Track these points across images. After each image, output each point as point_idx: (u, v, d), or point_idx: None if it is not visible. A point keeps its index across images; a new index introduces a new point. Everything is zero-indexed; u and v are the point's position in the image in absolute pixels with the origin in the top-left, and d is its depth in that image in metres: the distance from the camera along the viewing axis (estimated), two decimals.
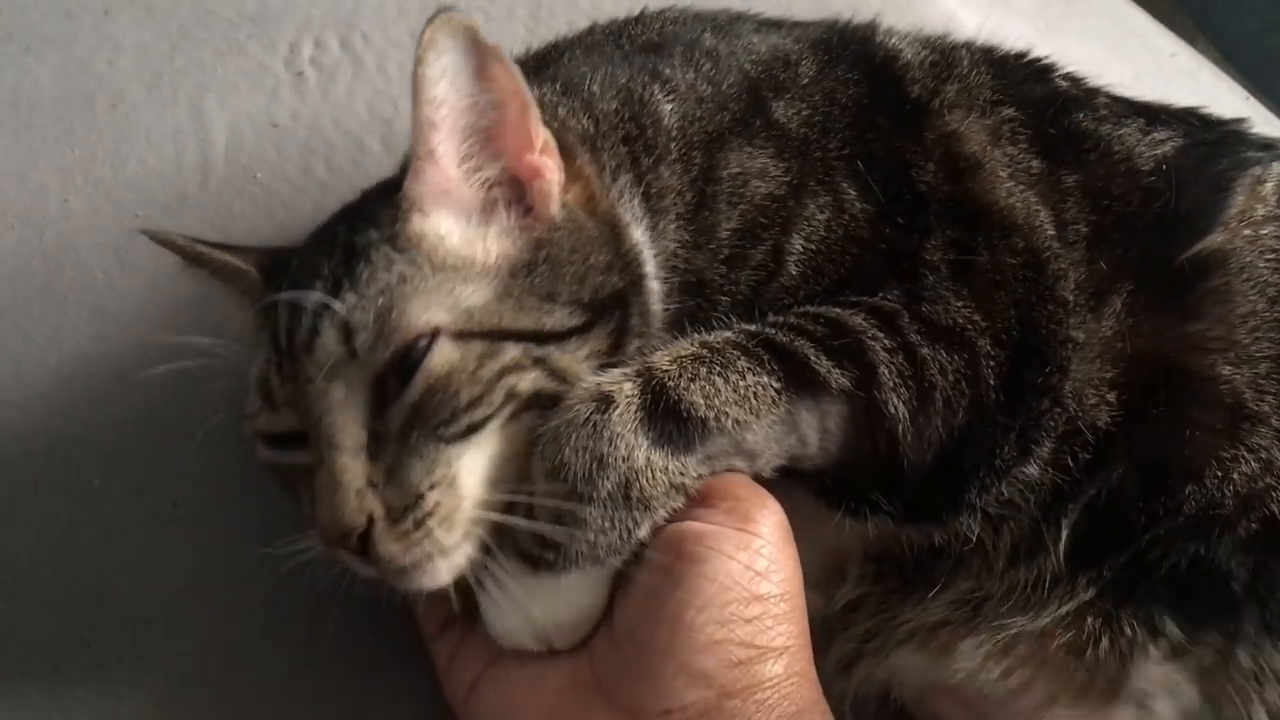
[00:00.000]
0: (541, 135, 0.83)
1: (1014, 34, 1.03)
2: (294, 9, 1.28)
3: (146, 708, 0.91)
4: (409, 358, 0.78)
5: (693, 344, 0.81)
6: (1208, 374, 0.83)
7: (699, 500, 0.80)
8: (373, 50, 1.24)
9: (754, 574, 0.77)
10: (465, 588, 0.81)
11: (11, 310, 1.08)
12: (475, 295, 0.80)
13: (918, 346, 0.82)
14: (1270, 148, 0.93)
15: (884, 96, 0.92)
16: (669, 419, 0.78)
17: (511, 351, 0.79)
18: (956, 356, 0.82)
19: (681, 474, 0.79)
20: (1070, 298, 0.85)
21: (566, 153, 0.87)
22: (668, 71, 0.93)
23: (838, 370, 0.80)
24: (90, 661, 0.92)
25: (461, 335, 0.79)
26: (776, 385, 0.80)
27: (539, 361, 0.80)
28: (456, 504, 0.78)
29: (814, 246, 0.86)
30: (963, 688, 0.87)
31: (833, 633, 0.90)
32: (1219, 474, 0.81)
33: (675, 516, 0.80)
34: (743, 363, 0.80)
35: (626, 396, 0.78)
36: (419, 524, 0.76)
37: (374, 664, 0.94)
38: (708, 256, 0.87)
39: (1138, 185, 0.88)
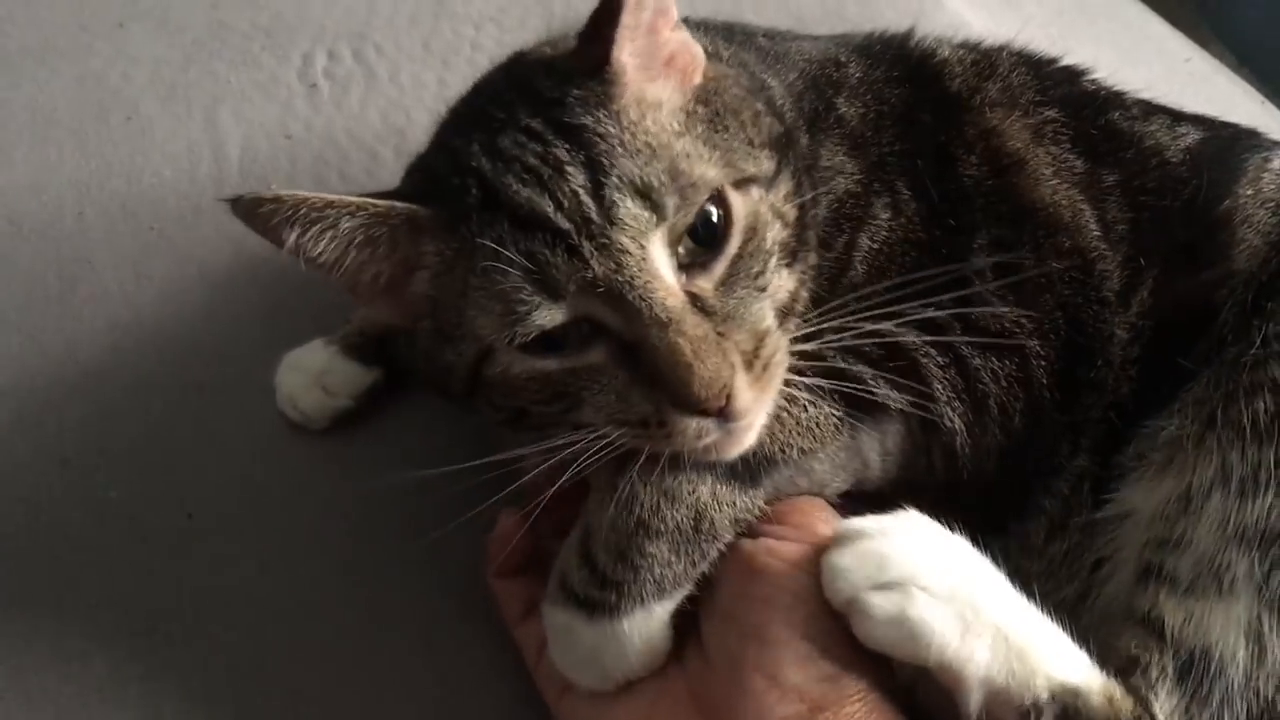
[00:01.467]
0: (673, 18, 0.81)
1: (1025, 40, 1.03)
2: (307, 21, 1.29)
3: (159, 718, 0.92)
4: (708, 214, 0.75)
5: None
6: (1211, 304, 0.86)
7: (766, 518, 0.80)
8: (386, 61, 1.25)
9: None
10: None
11: (27, 322, 1.08)
12: (716, 150, 0.78)
13: (969, 357, 0.83)
14: None
15: (925, 93, 0.94)
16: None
17: (759, 192, 0.79)
18: (1007, 361, 0.84)
19: (749, 508, 0.80)
20: (1113, 297, 0.87)
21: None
22: (750, 59, 0.93)
23: (896, 391, 0.81)
24: (104, 672, 0.92)
25: (739, 184, 0.77)
26: (838, 414, 0.80)
27: (775, 210, 0.80)
28: (782, 344, 0.77)
29: (877, 246, 0.87)
30: None
31: None
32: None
33: (746, 533, 0.80)
34: (804, 396, 0.80)
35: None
36: (765, 366, 0.76)
37: (390, 675, 0.94)
38: (812, 231, 0.85)
39: (1169, 176, 0.90)
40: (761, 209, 0.78)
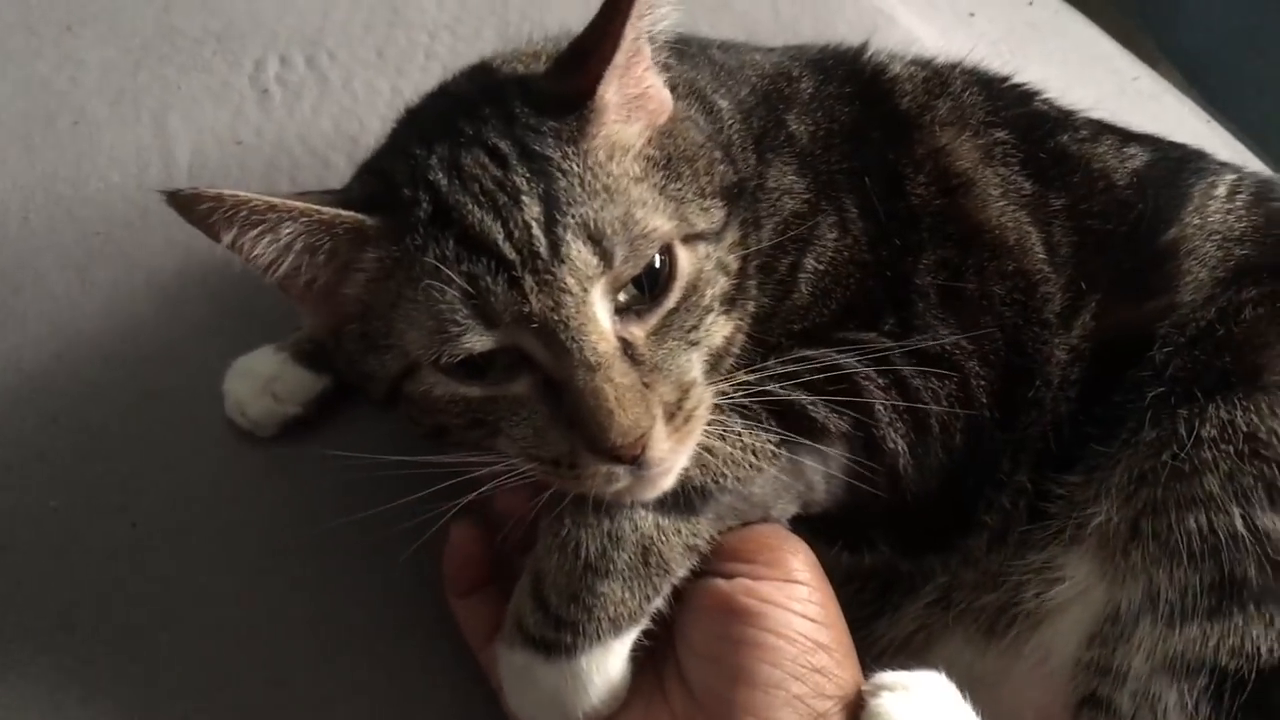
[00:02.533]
0: (647, 58, 0.81)
1: (976, 57, 1.03)
2: (260, 26, 1.28)
3: None
4: (653, 264, 0.76)
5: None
6: (1152, 334, 0.86)
7: (736, 556, 0.80)
8: (339, 68, 1.24)
9: (810, 622, 0.78)
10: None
11: None
12: (673, 199, 0.78)
13: (909, 379, 0.83)
14: (1226, 166, 0.98)
15: (875, 110, 0.94)
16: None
17: (706, 249, 0.79)
18: (948, 381, 0.84)
19: (695, 535, 0.79)
20: (1054, 319, 0.87)
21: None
22: (702, 80, 0.93)
23: (835, 415, 0.81)
24: (44, 686, 0.91)
25: (687, 240, 0.78)
26: (774, 440, 0.80)
27: (720, 263, 0.80)
28: (704, 398, 0.78)
29: (822, 268, 0.87)
30: None
31: None
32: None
33: (719, 573, 0.80)
34: (738, 425, 0.80)
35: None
36: (687, 418, 0.76)
37: (340, 686, 0.93)
38: (753, 255, 0.86)
39: (1115, 199, 0.91)
40: (706, 266, 0.79)
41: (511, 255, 0.73)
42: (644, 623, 0.79)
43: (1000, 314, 0.87)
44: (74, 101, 1.21)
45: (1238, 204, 0.92)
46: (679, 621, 0.81)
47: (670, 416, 0.75)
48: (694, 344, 0.78)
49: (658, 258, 0.76)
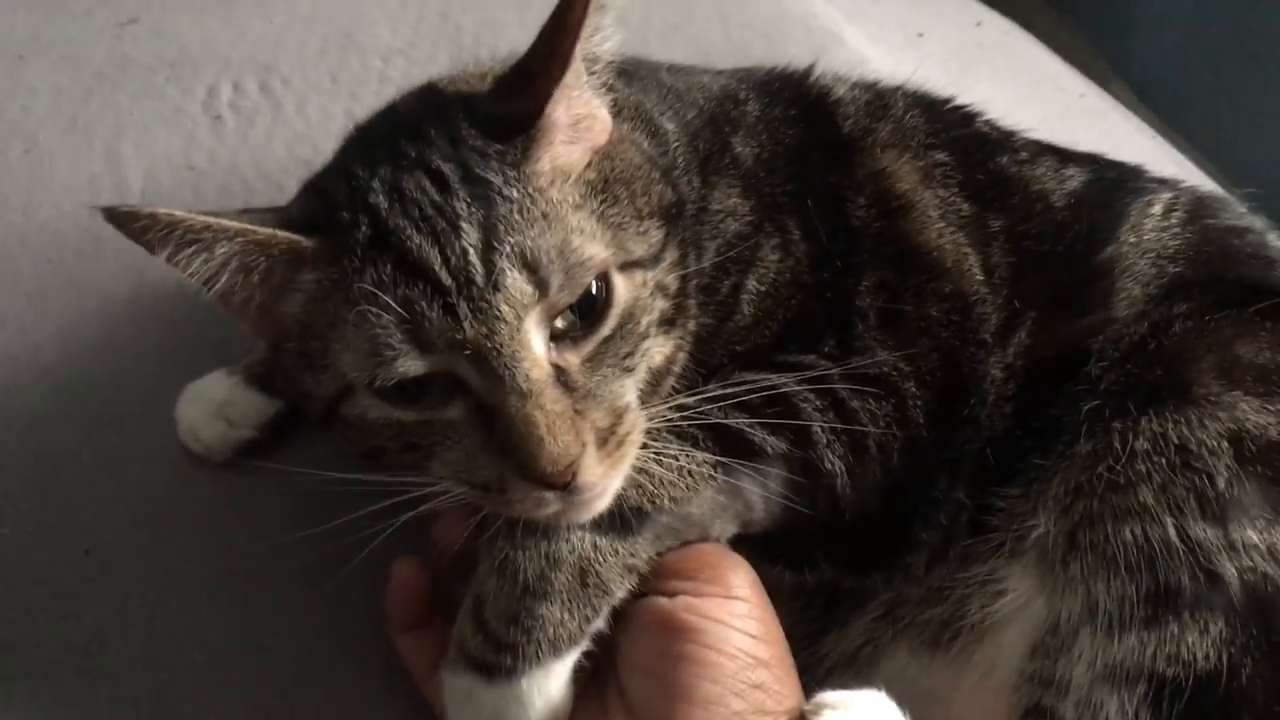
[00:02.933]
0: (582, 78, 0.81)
1: (925, 77, 1.05)
2: (212, 53, 1.28)
3: None
4: (592, 293, 0.76)
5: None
6: (1087, 350, 0.88)
7: (676, 574, 0.81)
8: (292, 93, 1.24)
9: (750, 638, 0.78)
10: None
11: None
12: (610, 226, 0.78)
13: (847, 400, 0.84)
14: (1164, 183, 0.99)
15: (818, 134, 0.95)
16: (605, 510, 0.78)
17: (643, 275, 0.79)
18: (884, 403, 0.85)
19: (633, 555, 0.80)
20: (990, 339, 0.88)
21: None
22: (648, 103, 0.94)
23: (773, 437, 0.82)
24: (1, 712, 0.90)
25: (624, 267, 0.78)
26: (711, 461, 0.81)
27: (659, 286, 0.81)
28: (637, 423, 0.78)
29: (764, 289, 0.88)
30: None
31: None
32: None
33: (660, 591, 0.80)
34: (674, 447, 0.80)
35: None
36: (619, 444, 0.76)
37: (296, 711, 0.92)
38: (693, 276, 0.86)
39: (1052, 221, 0.92)
40: (643, 294, 0.79)
41: (448, 282, 0.73)
42: (584, 643, 0.80)
43: (937, 335, 0.88)
44: (26, 130, 1.21)
45: (1173, 222, 0.93)
46: (620, 640, 0.81)
47: (602, 442, 0.76)
48: (629, 370, 0.78)
49: (594, 285, 0.76)
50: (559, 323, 0.76)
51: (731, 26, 1.32)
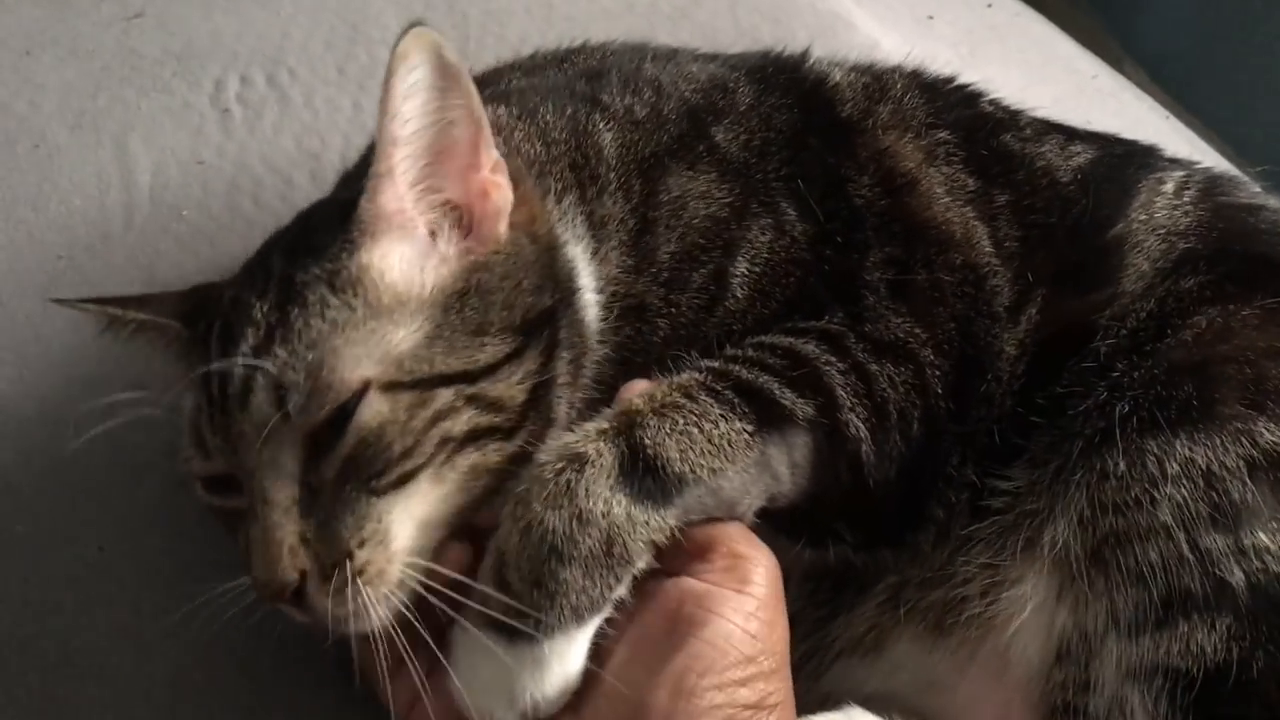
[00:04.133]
0: (493, 156, 0.83)
1: (938, 60, 1.04)
2: (220, 46, 1.28)
3: None
4: (341, 413, 0.77)
5: (665, 391, 0.80)
6: (1095, 324, 0.87)
7: (696, 554, 0.79)
8: (300, 86, 1.24)
9: (749, 636, 0.76)
10: (406, 624, 0.79)
11: None
12: (406, 340, 0.79)
13: (866, 364, 0.84)
14: (1176, 162, 0.99)
15: (816, 119, 0.95)
16: (646, 474, 0.77)
17: (444, 396, 0.79)
18: (903, 368, 0.85)
19: (660, 529, 0.78)
20: (1004, 312, 0.88)
21: (513, 175, 0.86)
22: (606, 99, 0.95)
23: (802, 400, 0.81)
24: (14, 712, 0.90)
25: (391, 386, 0.78)
26: (749, 428, 0.80)
27: (473, 399, 0.80)
28: (386, 560, 0.77)
29: (758, 269, 0.88)
30: (900, 689, 0.88)
31: None
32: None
33: (673, 570, 0.79)
34: (716, 410, 0.80)
35: (600, 454, 0.77)
36: (357, 575, 0.76)
37: (310, 710, 0.92)
38: (648, 280, 0.87)
39: (1058, 196, 0.92)
40: (420, 413, 0.78)
41: (215, 393, 0.79)
42: (607, 610, 0.78)
43: (952, 305, 0.87)
44: (34, 126, 1.21)
45: (1185, 199, 0.93)
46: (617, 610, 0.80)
47: (325, 574, 0.76)
48: (376, 492, 0.77)
49: (349, 406, 0.77)
50: (320, 439, 0.77)
51: (740, 11, 1.32)
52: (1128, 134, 1.01)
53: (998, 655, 0.85)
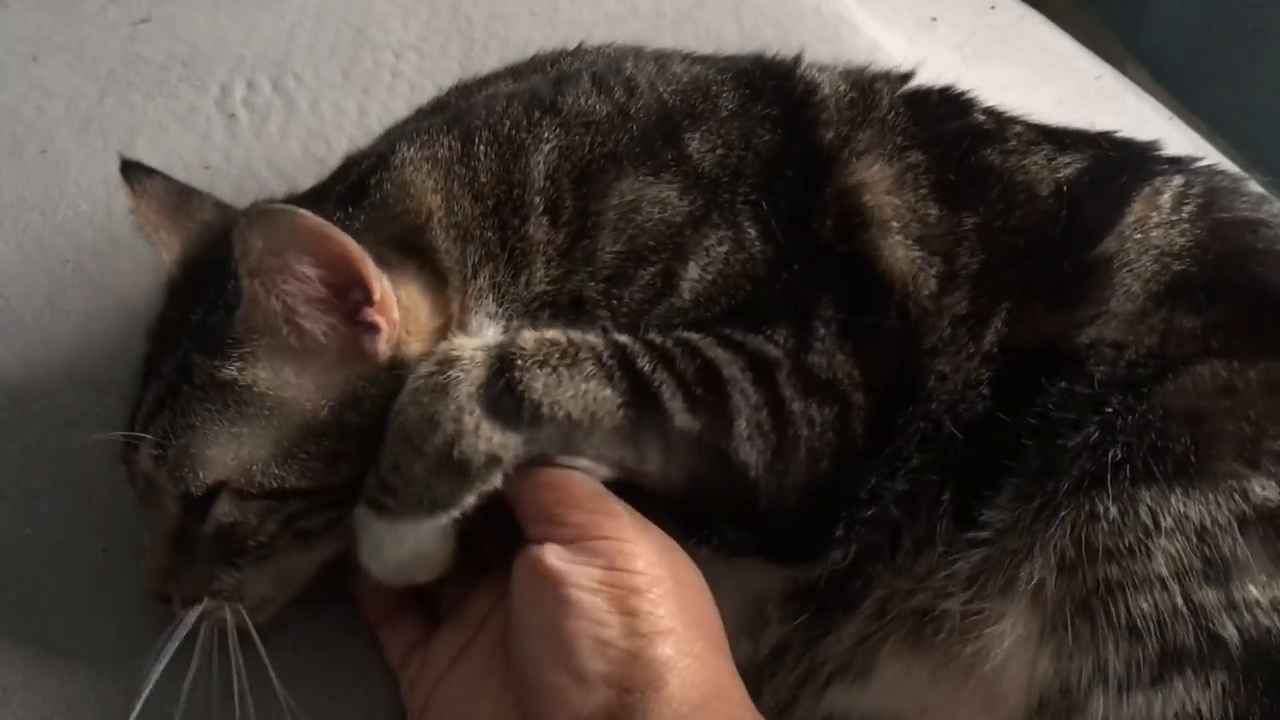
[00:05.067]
0: (379, 291, 0.82)
1: (940, 60, 1.04)
2: (225, 50, 1.28)
3: None
4: (201, 502, 0.84)
5: (556, 334, 0.82)
6: (1080, 343, 0.85)
7: (552, 519, 0.80)
8: (305, 90, 1.25)
9: (623, 572, 0.77)
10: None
11: None
12: (261, 453, 0.83)
13: (788, 401, 0.83)
14: (1177, 161, 0.96)
15: (795, 143, 0.92)
16: (505, 392, 0.79)
17: (296, 505, 0.84)
18: (828, 409, 0.84)
19: (504, 448, 0.79)
20: (942, 345, 0.87)
21: (439, 278, 0.87)
22: (563, 101, 0.93)
23: (688, 413, 0.81)
24: (25, 712, 0.90)
25: (242, 494, 0.83)
26: (619, 401, 0.80)
27: (328, 506, 0.85)
28: (234, 614, 0.85)
29: (710, 276, 0.87)
30: (895, 713, 0.87)
31: (761, 679, 0.89)
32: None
33: (536, 538, 0.80)
34: (590, 367, 0.80)
35: (473, 363, 0.80)
36: (212, 613, 0.85)
37: (319, 708, 0.93)
38: (585, 277, 0.87)
39: (1035, 211, 0.89)
40: (250, 519, 0.84)
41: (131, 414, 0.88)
42: (456, 512, 0.81)
43: (891, 347, 0.86)
44: (41, 130, 1.21)
45: (1182, 214, 0.89)
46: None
47: (188, 604, 0.85)
48: (237, 566, 0.85)
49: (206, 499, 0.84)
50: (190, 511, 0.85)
51: (743, 13, 1.32)
52: (1131, 134, 0.99)
53: (985, 688, 0.83)
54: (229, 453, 0.82)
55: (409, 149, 0.90)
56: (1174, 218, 0.89)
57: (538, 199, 0.88)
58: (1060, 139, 0.95)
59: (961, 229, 0.89)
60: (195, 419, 0.83)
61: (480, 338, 0.83)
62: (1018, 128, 0.96)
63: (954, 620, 0.83)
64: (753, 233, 0.88)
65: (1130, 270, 0.87)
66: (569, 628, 0.76)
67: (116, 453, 0.90)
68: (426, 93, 1.20)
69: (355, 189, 0.89)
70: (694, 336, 0.84)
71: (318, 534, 0.86)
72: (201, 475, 0.83)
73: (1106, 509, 0.79)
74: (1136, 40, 2.05)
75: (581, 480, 0.82)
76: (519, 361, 0.79)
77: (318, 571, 0.89)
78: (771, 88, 0.95)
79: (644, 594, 0.77)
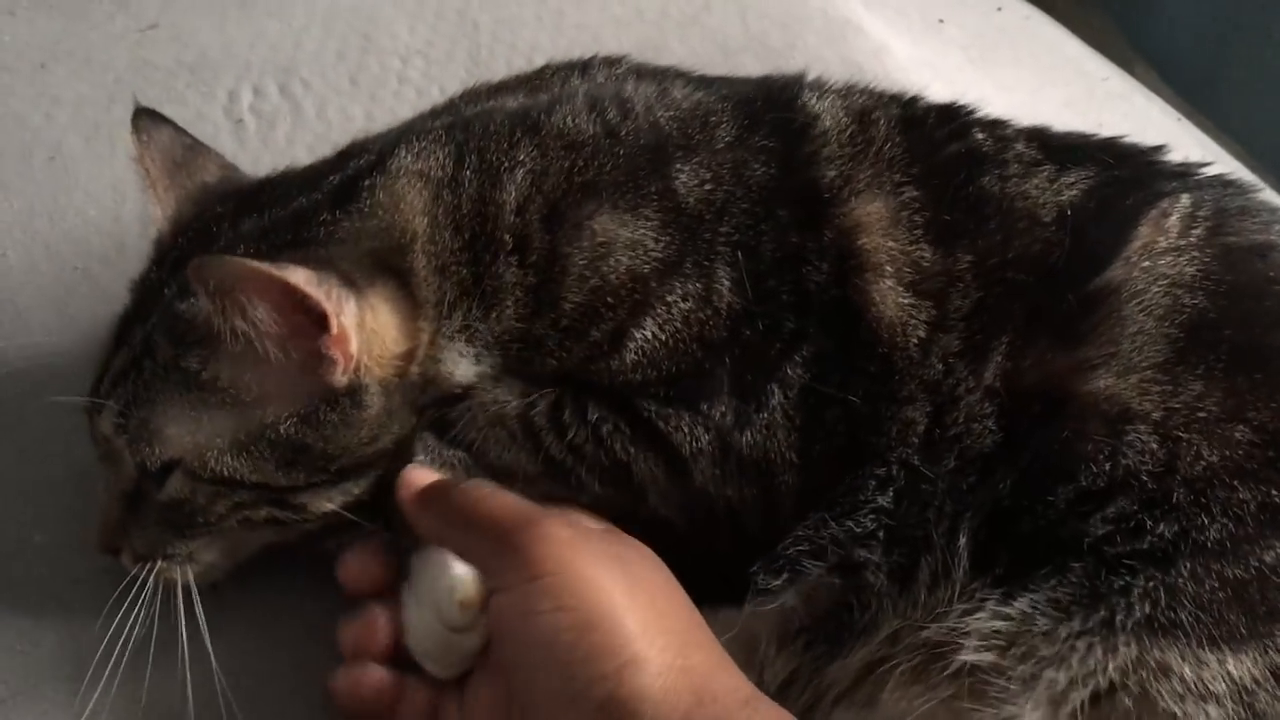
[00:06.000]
0: (336, 326, 0.80)
1: (947, 63, 1.05)
2: (232, 57, 1.29)
3: None
4: (156, 472, 0.85)
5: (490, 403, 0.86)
6: (1091, 388, 0.80)
7: (482, 565, 0.78)
8: (312, 96, 1.25)
9: (566, 613, 0.73)
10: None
11: None
12: (217, 442, 0.83)
13: (704, 486, 0.83)
14: (1184, 175, 0.91)
15: (792, 182, 0.87)
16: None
17: (243, 494, 0.85)
18: (749, 489, 0.83)
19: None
20: (924, 389, 0.83)
21: (412, 303, 0.85)
22: (551, 119, 0.89)
23: (599, 485, 0.85)
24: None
25: (193, 475, 0.84)
26: (539, 471, 0.85)
27: (274, 502, 0.85)
28: (184, 573, 0.87)
29: (664, 336, 0.83)
30: None
31: None
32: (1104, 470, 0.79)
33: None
34: (499, 450, 0.86)
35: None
36: (156, 571, 0.87)
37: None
38: (545, 322, 0.84)
39: (1037, 240, 0.85)
40: (199, 499, 0.85)
41: (99, 372, 0.89)
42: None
43: (854, 410, 0.83)
44: (49, 137, 1.22)
45: (1191, 239, 0.84)
46: None
47: (139, 559, 0.87)
48: (187, 537, 0.87)
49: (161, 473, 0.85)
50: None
51: (749, 17, 1.32)
52: (1139, 137, 0.96)
53: None
54: (186, 433, 0.83)
55: (407, 156, 0.89)
56: (1182, 243, 0.84)
57: (507, 236, 0.85)
58: (1063, 156, 0.90)
59: (956, 268, 0.84)
60: (157, 395, 0.84)
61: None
62: (1019, 146, 0.91)
63: (964, 675, 0.80)
64: (725, 282, 0.83)
65: (1140, 304, 0.82)
66: (535, 681, 0.75)
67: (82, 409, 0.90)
68: (433, 98, 1.21)
69: (348, 187, 0.88)
70: (612, 425, 0.84)
71: (263, 524, 0.87)
72: (158, 450, 0.84)
73: (1180, 667, 0.75)
74: (1144, 41, 2.05)
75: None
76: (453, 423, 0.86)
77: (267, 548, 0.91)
78: (771, 120, 0.90)
79: (596, 632, 0.73)
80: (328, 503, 0.85)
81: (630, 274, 0.84)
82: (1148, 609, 0.76)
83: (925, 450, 0.82)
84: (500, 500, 0.79)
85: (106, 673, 0.86)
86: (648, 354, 0.83)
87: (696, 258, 0.84)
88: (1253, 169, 1.31)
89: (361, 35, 1.30)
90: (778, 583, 0.83)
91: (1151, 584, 0.76)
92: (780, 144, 0.89)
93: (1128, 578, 0.77)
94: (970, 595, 0.81)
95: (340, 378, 0.82)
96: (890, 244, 0.85)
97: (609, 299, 0.84)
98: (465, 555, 0.79)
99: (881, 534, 0.82)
